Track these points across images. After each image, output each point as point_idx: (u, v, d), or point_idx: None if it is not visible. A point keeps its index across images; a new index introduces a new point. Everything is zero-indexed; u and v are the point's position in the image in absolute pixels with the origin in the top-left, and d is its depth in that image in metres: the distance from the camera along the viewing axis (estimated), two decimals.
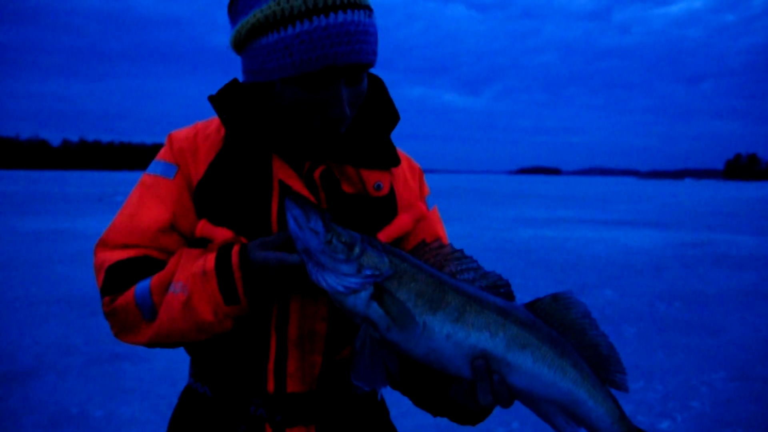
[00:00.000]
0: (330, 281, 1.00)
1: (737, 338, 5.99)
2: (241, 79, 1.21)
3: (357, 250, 1.02)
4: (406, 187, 1.29)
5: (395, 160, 1.25)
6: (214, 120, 1.26)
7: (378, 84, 1.27)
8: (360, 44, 1.04)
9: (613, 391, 1.08)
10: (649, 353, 5.48)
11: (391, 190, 1.25)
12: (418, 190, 1.33)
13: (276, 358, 1.16)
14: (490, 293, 1.07)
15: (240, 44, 1.13)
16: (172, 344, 1.16)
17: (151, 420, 3.93)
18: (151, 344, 1.16)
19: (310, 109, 1.09)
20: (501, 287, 1.08)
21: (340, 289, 1.00)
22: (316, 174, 1.17)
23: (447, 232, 1.35)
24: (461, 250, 1.09)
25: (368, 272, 1.01)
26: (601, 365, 1.07)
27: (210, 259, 1.09)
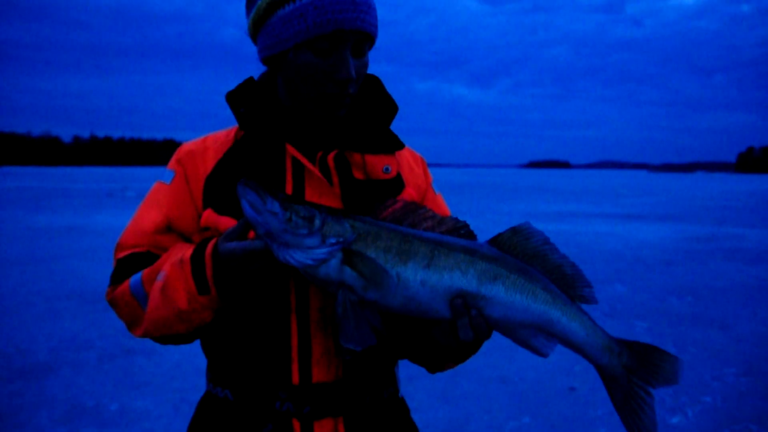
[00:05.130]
0: (298, 257, 1.03)
1: (748, 333, 5.96)
2: (255, 73, 1.30)
3: (318, 221, 1.04)
4: (412, 172, 1.36)
5: (399, 144, 1.33)
6: (223, 130, 1.33)
7: (375, 81, 1.34)
8: (364, 14, 1.16)
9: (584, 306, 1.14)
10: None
11: (398, 173, 1.31)
12: (423, 177, 1.39)
13: (299, 344, 1.17)
14: (453, 236, 1.12)
15: (259, 21, 1.21)
16: (169, 336, 1.19)
17: (164, 414, 3.95)
18: (148, 334, 1.19)
19: (320, 72, 1.17)
20: (461, 229, 1.13)
21: (310, 262, 1.03)
22: (330, 158, 1.22)
23: None
24: (414, 202, 1.13)
25: (333, 240, 1.04)
26: (568, 284, 1.12)
27: (190, 249, 1.14)
